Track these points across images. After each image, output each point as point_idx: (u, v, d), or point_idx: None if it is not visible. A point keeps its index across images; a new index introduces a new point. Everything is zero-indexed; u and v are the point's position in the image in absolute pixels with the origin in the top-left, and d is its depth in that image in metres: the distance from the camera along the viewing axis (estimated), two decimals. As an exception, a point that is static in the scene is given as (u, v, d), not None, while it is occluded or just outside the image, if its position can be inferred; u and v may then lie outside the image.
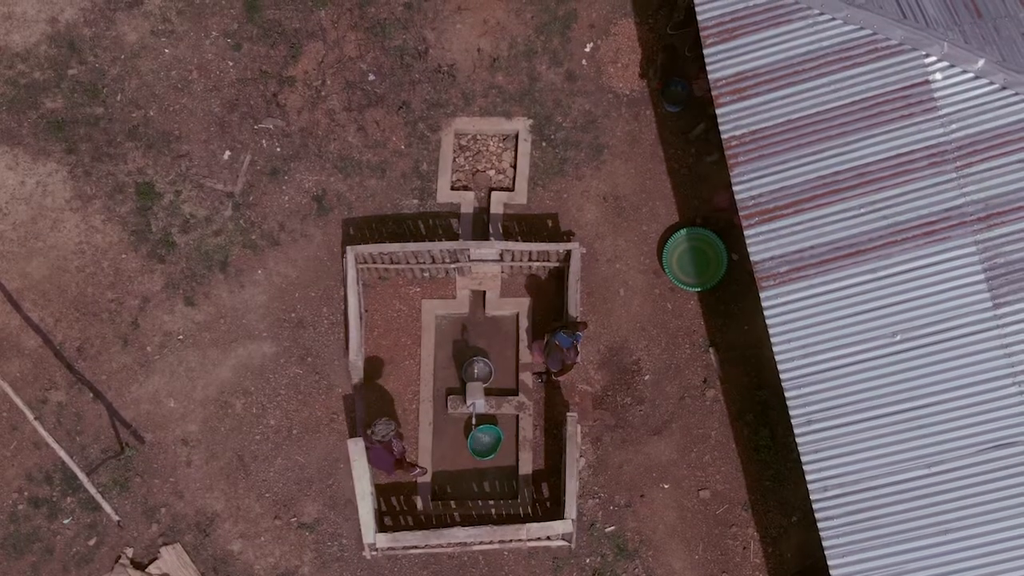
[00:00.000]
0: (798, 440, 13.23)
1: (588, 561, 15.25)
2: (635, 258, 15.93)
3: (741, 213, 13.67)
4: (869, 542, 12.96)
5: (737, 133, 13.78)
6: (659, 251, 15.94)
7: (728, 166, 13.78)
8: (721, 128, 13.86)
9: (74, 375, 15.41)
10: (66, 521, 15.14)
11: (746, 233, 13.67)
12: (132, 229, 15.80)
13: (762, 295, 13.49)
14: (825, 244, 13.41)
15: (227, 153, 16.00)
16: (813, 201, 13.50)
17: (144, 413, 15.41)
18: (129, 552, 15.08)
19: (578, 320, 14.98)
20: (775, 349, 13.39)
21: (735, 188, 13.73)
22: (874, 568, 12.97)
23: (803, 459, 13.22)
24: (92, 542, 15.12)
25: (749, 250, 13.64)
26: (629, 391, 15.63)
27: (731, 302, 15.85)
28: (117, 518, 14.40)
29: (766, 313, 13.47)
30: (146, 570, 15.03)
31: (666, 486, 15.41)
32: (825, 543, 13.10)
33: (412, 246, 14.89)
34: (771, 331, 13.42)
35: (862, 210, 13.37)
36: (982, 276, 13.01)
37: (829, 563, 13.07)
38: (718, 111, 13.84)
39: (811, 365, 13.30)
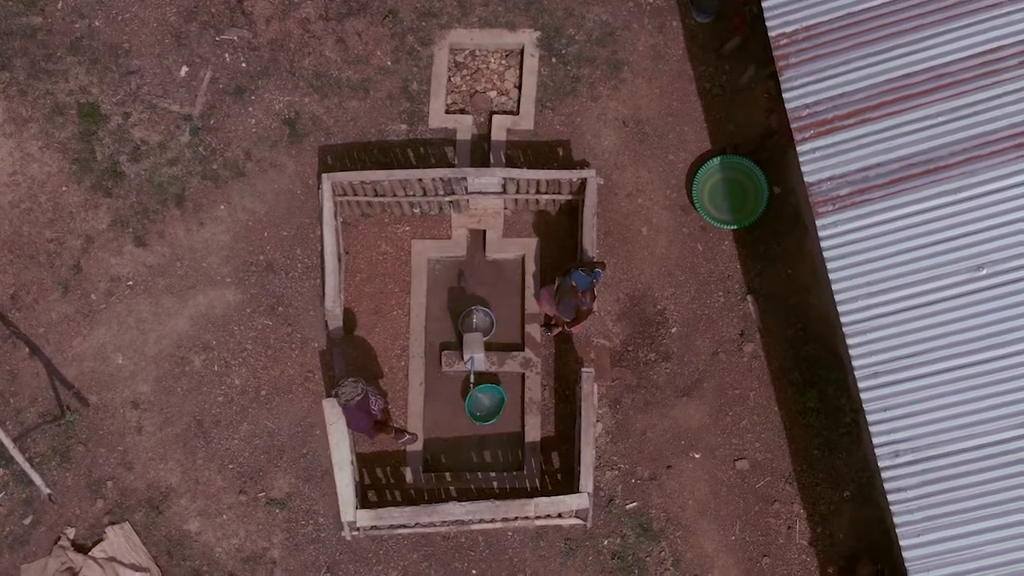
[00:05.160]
0: (863, 396, 12.45)
1: (606, 543, 14.69)
2: (660, 192, 15.28)
3: (793, 126, 12.87)
4: (949, 518, 12.12)
5: (787, 30, 12.93)
6: (688, 184, 15.29)
7: (777, 70, 12.99)
8: (768, 23, 13.00)
9: (7, 327, 14.85)
10: (-3, 496, 14.81)
11: (799, 149, 12.78)
12: (74, 157, 15.30)
13: (818, 223, 12.69)
14: (895, 160, 12.55)
15: (184, 69, 15.51)
16: (880, 109, 12.63)
17: (88, 371, 14.93)
18: (70, 532, 14.55)
19: (595, 260, 14.32)
20: (835, 287, 12.62)
21: (785, 96, 12.90)
22: (955, 549, 12.07)
23: (869, 419, 12.41)
24: (28, 521, 14.55)
25: (803, 169, 12.78)
26: (653, 346, 15.01)
27: (772, 242, 15.20)
28: (48, 491, 13.85)
29: (823, 244, 12.70)
30: (89, 553, 14.44)
31: (697, 456, 14.88)
32: (896, 519, 12.26)
33: (399, 174, 14.35)
34: (829, 267, 12.65)
35: (941, 119, 12.50)
36: (1088, 195, 12.27)
37: (901, 543, 12.17)
38: (764, 2, 13.06)
39: (878, 306, 12.46)
